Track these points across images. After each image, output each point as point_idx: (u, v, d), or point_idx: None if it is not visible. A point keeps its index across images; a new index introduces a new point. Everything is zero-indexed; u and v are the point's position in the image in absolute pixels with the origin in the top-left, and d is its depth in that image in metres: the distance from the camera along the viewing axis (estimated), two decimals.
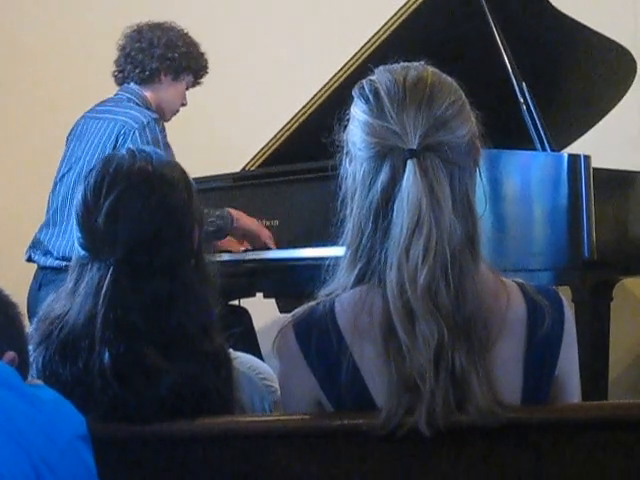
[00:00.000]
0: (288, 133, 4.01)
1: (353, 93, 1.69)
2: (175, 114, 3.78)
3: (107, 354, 1.72)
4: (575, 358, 1.70)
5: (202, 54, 3.76)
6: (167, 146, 3.53)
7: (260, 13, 5.09)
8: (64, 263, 3.33)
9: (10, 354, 1.62)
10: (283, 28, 5.02)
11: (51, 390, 1.59)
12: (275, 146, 4.05)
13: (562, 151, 3.61)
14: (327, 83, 3.85)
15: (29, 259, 3.66)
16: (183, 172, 1.88)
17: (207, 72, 3.79)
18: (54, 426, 1.49)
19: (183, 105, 3.78)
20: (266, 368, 2.05)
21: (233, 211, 3.67)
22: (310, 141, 3.34)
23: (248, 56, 4.94)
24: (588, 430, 1.61)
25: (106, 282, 1.76)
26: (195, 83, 3.79)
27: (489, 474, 1.61)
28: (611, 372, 3.69)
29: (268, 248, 3.69)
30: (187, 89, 3.77)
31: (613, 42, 3.76)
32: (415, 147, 1.59)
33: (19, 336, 1.67)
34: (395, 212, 1.58)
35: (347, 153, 1.68)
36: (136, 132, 3.48)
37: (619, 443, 1.61)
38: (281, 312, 4.07)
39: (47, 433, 1.47)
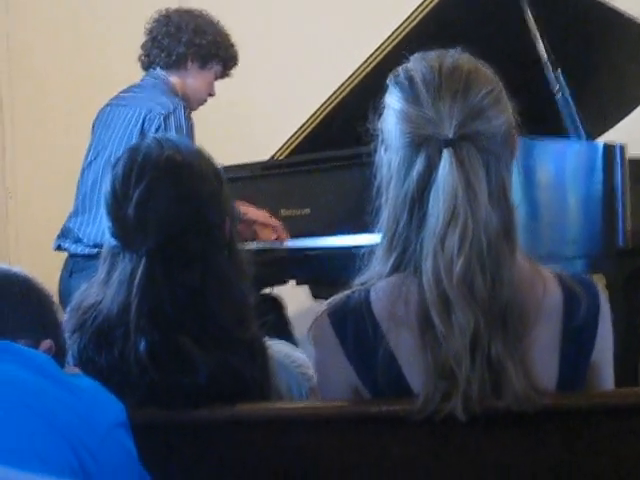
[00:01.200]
0: (317, 120, 3.97)
1: (388, 81, 1.68)
2: (202, 104, 3.71)
3: (143, 342, 1.74)
4: (610, 345, 1.70)
5: (232, 45, 3.69)
6: (190, 135, 3.45)
7: None
8: (95, 250, 3.31)
9: (47, 342, 1.63)
10: (314, 13, 5.00)
11: (89, 378, 1.59)
12: (304, 134, 4.02)
13: (597, 139, 3.58)
14: (356, 70, 3.82)
15: (58, 248, 3.62)
16: (211, 161, 1.88)
17: (237, 64, 3.72)
18: (93, 413, 1.49)
19: (211, 95, 3.70)
20: (300, 355, 2.06)
21: (240, 205, 3.59)
22: (340, 128, 3.34)
23: (276, 41, 4.92)
24: (624, 416, 1.62)
25: (139, 272, 1.76)
26: (224, 74, 3.71)
27: (525, 459, 1.62)
28: None
29: (279, 239, 3.67)
30: (216, 79, 3.69)
31: None
32: (451, 136, 1.58)
33: (55, 325, 1.69)
34: (431, 202, 1.58)
35: (382, 141, 1.67)
36: (161, 117, 3.42)
37: None
38: (314, 297, 4.06)
39: (87, 420, 1.47)
